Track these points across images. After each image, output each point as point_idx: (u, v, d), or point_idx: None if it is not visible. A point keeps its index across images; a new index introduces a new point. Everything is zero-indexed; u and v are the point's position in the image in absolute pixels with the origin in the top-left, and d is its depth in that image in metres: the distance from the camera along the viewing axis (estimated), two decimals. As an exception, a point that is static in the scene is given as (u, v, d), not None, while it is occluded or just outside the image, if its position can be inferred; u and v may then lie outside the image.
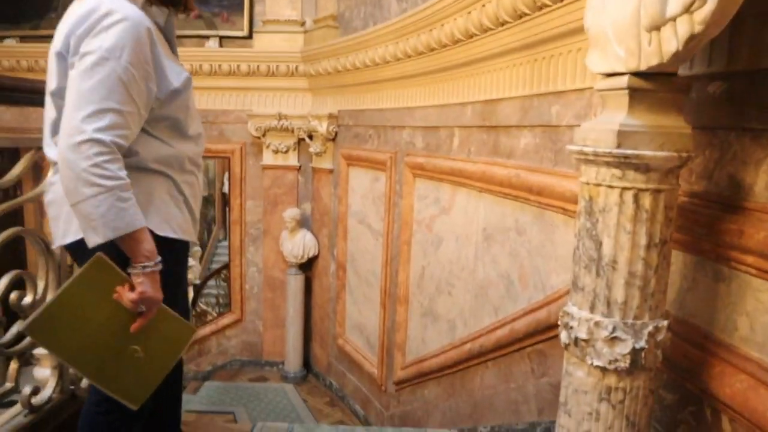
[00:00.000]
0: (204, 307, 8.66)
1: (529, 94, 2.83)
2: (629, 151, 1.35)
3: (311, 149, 5.90)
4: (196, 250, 13.37)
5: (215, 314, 8.28)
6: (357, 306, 5.47)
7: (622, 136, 1.37)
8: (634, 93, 1.37)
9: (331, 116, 5.57)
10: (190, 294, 10.87)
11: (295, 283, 6.13)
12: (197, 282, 11.15)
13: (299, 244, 6.05)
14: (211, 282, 9.24)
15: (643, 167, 1.36)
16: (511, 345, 2.91)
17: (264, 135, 6.15)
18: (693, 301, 1.69)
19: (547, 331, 2.58)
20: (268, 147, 6.21)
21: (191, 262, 12.76)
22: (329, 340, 6.08)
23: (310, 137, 5.91)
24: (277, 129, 6.09)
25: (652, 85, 1.37)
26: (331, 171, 5.86)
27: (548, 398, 2.60)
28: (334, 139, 5.73)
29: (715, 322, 1.61)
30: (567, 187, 2.47)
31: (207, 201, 14.04)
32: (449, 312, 3.81)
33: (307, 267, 6.27)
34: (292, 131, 6.08)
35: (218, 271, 9.21)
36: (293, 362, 6.26)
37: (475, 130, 3.40)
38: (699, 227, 1.61)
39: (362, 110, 5.18)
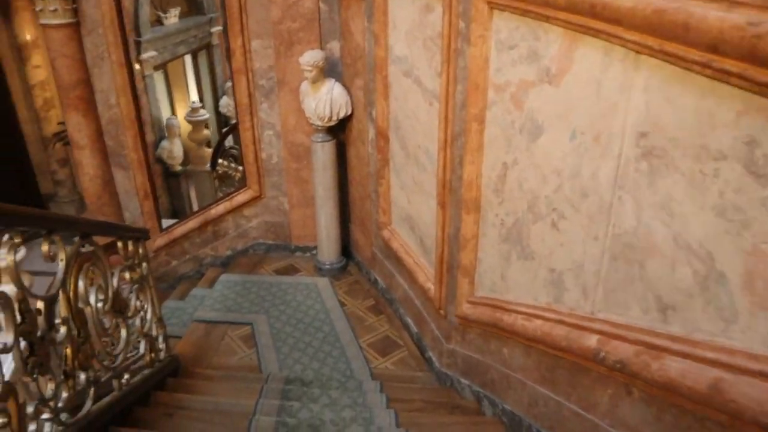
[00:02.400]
0: (225, 167, 7.22)
1: None
2: None
3: (333, -39, 4.00)
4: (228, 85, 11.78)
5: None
6: (405, 192, 3.94)
7: None
8: None
9: None
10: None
11: (323, 152, 4.57)
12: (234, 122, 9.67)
13: (325, 100, 4.39)
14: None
15: None
16: (704, 402, 1.37)
17: (266, -59, 4.25)
18: None
19: None
20: (273, -41, 4.33)
21: (225, 100, 11.22)
22: (372, 228, 4.66)
23: (331, -58, 3.99)
24: (284, -69, 4.17)
25: None
26: (363, -6, 4.00)
27: None
28: (365, -56, 3.80)
29: None
30: None
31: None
32: (553, 255, 2.25)
33: (339, 129, 4.67)
34: (306, -67, 4.15)
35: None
36: (327, 251, 4.92)
37: None
38: None
39: None
